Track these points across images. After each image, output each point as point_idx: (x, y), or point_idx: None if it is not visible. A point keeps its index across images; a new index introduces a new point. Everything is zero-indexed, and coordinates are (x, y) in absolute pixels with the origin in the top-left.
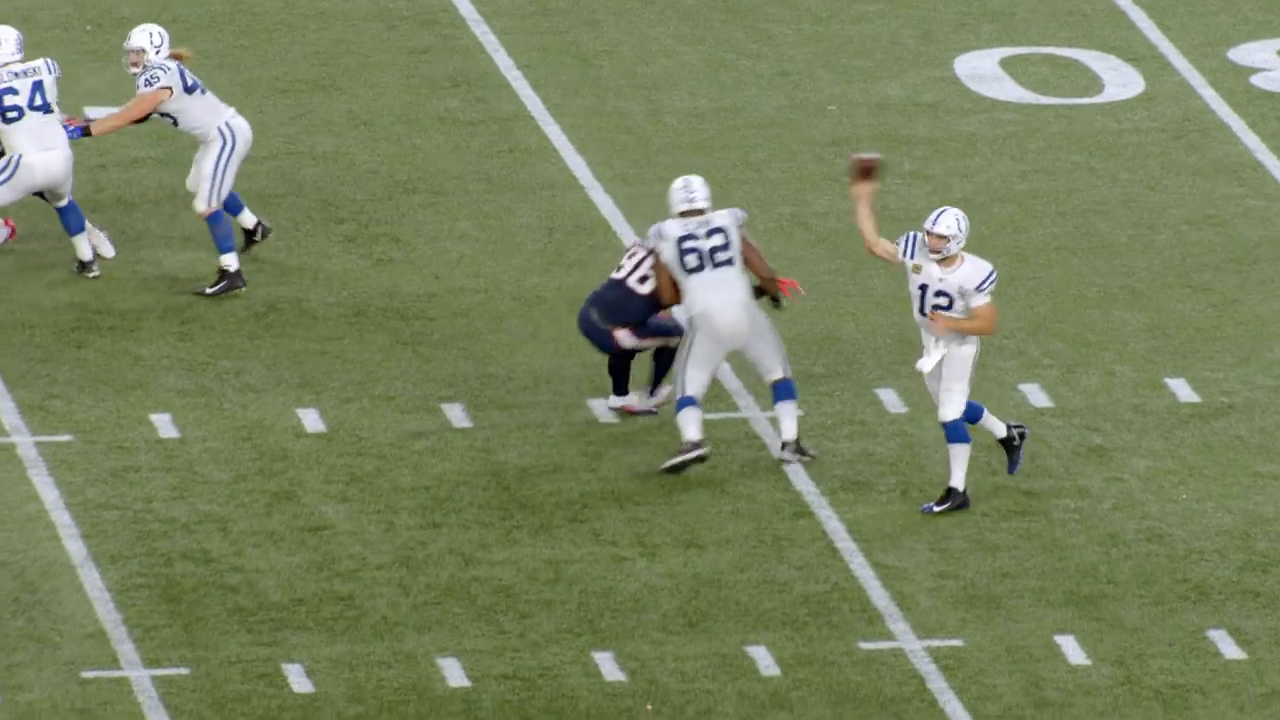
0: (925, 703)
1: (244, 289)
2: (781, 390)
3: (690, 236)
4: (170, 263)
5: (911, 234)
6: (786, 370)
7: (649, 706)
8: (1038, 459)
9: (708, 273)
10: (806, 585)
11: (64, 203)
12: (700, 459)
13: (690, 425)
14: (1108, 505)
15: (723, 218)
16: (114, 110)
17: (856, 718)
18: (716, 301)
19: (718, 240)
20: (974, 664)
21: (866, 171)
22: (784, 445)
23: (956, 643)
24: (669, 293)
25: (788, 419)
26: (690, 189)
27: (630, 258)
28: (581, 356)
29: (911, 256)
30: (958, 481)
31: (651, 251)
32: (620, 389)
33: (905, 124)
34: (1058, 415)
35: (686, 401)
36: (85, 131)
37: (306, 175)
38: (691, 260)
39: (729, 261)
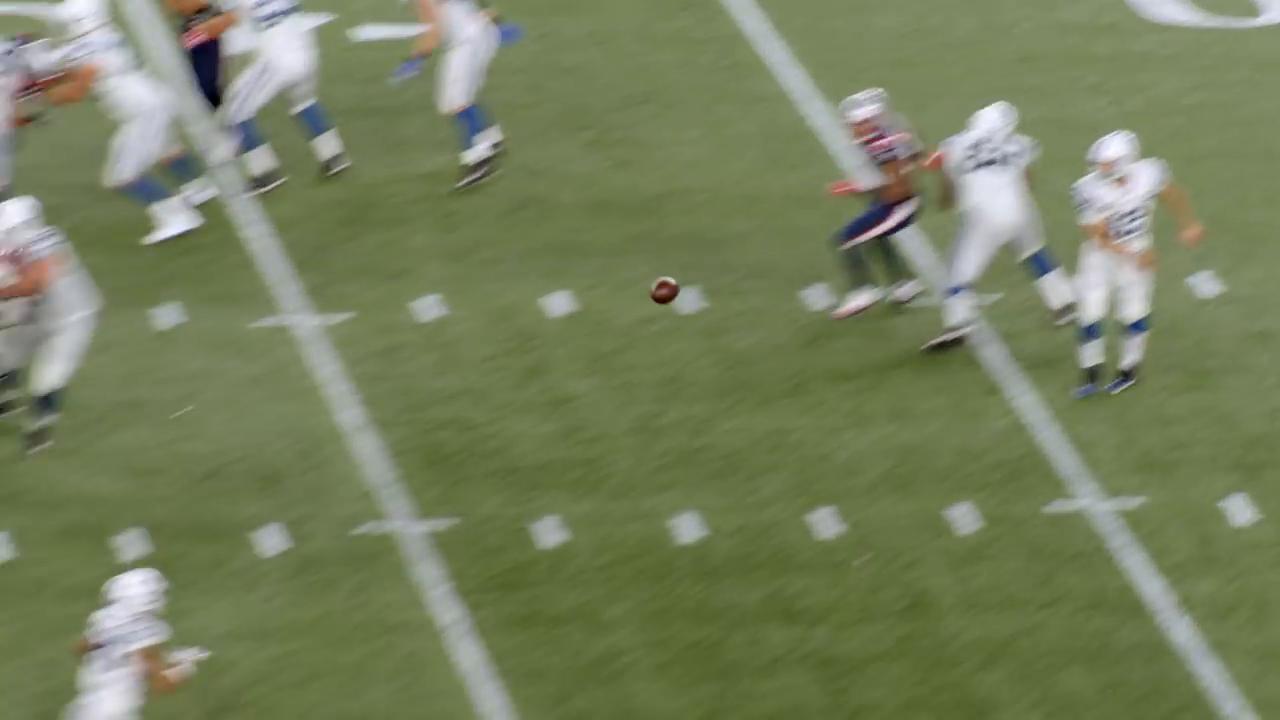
0: (1108, 557)
1: (488, 177)
2: (1042, 262)
3: (979, 145)
4: (430, 164)
5: (1088, 202)
6: (1039, 243)
7: (862, 558)
8: (1208, 342)
9: (985, 173)
10: (1000, 453)
11: (310, 103)
12: (958, 340)
13: (958, 310)
14: (1271, 383)
15: (1015, 142)
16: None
17: (1047, 569)
18: (995, 198)
19: (1008, 150)
20: (1151, 523)
21: (661, 300)
22: (1061, 310)
23: (1135, 504)
24: (897, 190)
25: (1057, 286)
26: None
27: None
28: (800, 249)
29: (1115, 231)
30: (1132, 363)
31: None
32: (867, 283)
33: (1086, 44)
34: (1225, 302)
35: (956, 289)
36: (420, 58)
37: (553, 87)
38: (974, 162)
39: (1007, 168)
